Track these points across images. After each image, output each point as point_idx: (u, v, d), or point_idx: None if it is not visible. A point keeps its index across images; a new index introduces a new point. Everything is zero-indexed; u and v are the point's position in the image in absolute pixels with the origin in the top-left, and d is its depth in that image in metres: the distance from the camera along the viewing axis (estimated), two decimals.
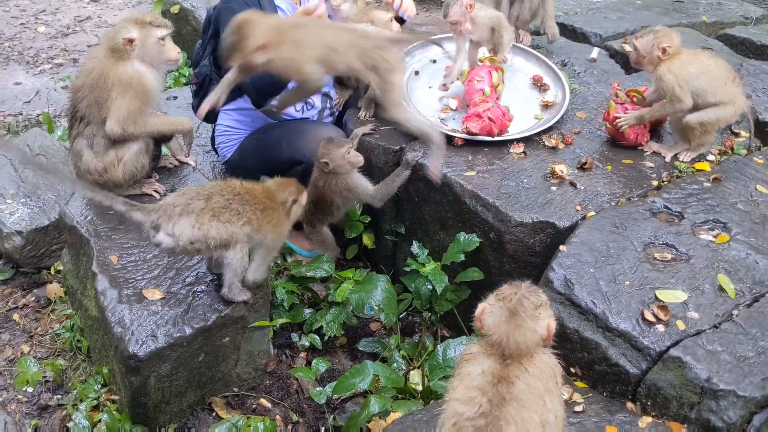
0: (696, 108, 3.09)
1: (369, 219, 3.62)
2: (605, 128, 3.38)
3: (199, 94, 3.69)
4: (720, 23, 5.14)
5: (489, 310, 1.84)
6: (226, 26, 3.25)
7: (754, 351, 2.28)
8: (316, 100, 3.77)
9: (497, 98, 3.49)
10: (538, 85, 3.77)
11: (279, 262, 3.67)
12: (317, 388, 3.00)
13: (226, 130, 3.72)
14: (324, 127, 3.59)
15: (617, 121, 3.23)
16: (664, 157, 3.22)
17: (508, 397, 1.75)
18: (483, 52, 3.81)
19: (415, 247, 3.26)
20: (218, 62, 3.56)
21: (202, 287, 2.78)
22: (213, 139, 3.87)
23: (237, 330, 2.83)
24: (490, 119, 3.35)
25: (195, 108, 3.80)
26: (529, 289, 1.84)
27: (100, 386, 3.01)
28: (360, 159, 3.28)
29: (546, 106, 3.60)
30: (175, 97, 4.91)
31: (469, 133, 3.37)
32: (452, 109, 3.61)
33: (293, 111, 3.70)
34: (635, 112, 3.23)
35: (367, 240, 3.68)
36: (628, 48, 4.43)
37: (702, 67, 3.05)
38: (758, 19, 5.33)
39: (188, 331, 2.65)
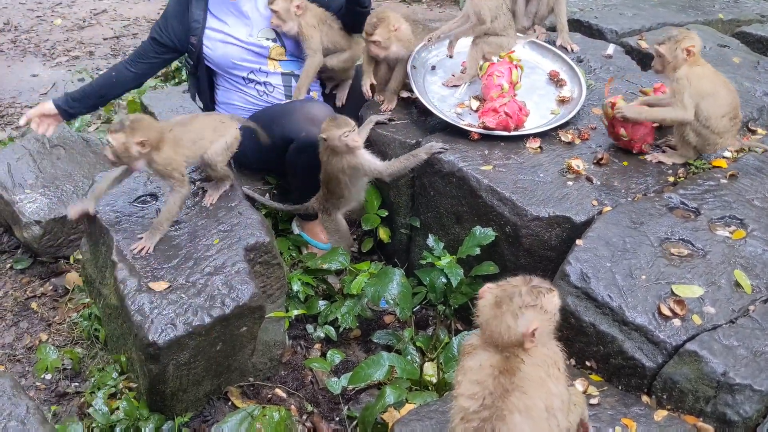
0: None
1: (386, 213, 3.63)
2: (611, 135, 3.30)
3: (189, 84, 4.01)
4: (736, 21, 5.12)
5: (487, 294, 1.86)
6: None
7: None
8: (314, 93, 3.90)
9: (514, 95, 3.49)
10: (555, 80, 3.77)
11: (294, 254, 3.70)
12: (332, 379, 3.02)
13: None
14: (313, 104, 3.63)
15: (616, 109, 3.14)
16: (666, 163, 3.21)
17: (510, 388, 1.77)
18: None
19: (430, 241, 3.28)
20: None
21: (221, 277, 2.80)
22: None
23: (254, 320, 2.86)
24: (506, 114, 3.35)
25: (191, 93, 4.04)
26: (533, 288, 1.82)
27: (117, 374, 3.04)
28: (358, 143, 3.23)
29: (562, 102, 3.60)
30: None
31: (485, 127, 3.37)
32: (473, 110, 3.56)
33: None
34: (635, 106, 3.17)
35: (383, 234, 3.70)
36: (644, 45, 4.45)
37: (713, 89, 3.02)
38: None
39: (207, 320, 2.68)
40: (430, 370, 2.98)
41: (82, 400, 3.05)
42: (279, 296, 3.17)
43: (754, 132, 3.51)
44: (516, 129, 3.38)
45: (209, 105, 3.90)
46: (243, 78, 3.76)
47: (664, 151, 3.21)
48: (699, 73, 3.01)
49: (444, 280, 3.20)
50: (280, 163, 3.62)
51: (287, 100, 3.79)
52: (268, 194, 3.84)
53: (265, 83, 3.78)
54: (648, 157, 3.20)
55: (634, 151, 3.23)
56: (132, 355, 2.91)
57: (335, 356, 3.14)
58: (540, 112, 3.54)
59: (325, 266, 3.43)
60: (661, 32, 4.63)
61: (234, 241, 2.95)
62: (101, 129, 4.97)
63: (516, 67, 3.57)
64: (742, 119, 3.42)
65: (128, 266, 2.83)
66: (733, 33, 4.93)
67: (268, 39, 3.77)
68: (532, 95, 3.64)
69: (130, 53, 3.89)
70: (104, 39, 7.12)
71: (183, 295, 2.73)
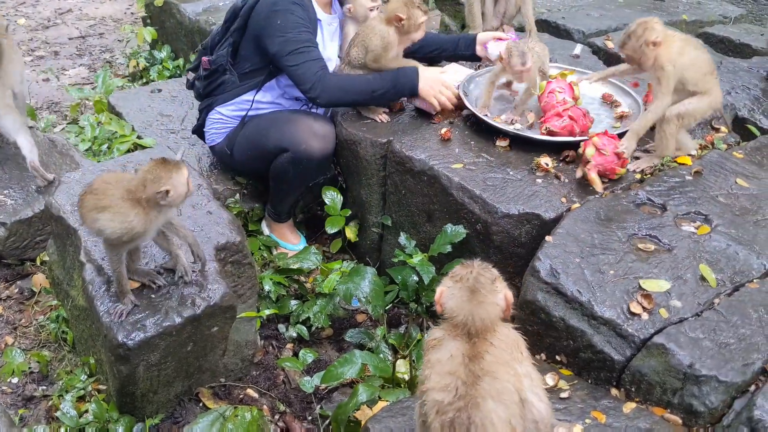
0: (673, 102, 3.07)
1: (349, 212, 3.63)
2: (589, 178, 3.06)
3: (208, 80, 3.72)
4: (700, 22, 5.22)
5: (448, 293, 1.88)
6: (271, 30, 3.39)
7: (734, 338, 2.34)
8: None
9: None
10: (609, 102, 3.66)
11: (265, 255, 3.69)
12: (305, 378, 3.02)
13: (220, 119, 3.73)
14: (315, 117, 3.60)
15: (623, 153, 3.02)
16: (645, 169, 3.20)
17: (480, 374, 1.79)
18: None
19: (402, 239, 3.29)
20: (236, 54, 3.63)
21: (192, 277, 2.78)
22: (200, 125, 3.86)
23: (225, 320, 2.84)
24: (571, 118, 3.25)
25: (198, 92, 3.83)
26: (481, 266, 1.90)
27: (86, 377, 3.00)
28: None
29: (621, 117, 3.46)
30: (160, 90, 4.90)
31: (550, 133, 3.24)
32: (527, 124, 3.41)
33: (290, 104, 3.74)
34: (630, 134, 3.07)
35: (351, 233, 3.70)
36: (610, 45, 4.52)
37: (693, 58, 3.02)
38: (737, 18, 5.42)
39: (178, 320, 2.65)
40: (402, 368, 2.99)
41: (50, 403, 3.00)
42: (250, 296, 3.15)
43: (717, 130, 3.59)
44: (581, 134, 3.24)
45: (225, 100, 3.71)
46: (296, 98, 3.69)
47: (638, 158, 3.23)
48: (675, 50, 2.98)
49: (416, 278, 3.21)
50: (264, 168, 3.60)
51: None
52: (238, 194, 3.83)
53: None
54: (630, 167, 3.15)
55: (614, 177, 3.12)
56: (101, 357, 2.87)
57: (307, 355, 3.13)
58: (602, 125, 3.39)
59: (296, 266, 3.43)
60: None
61: (204, 241, 2.92)
62: (67, 129, 4.90)
63: (570, 86, 3.52)
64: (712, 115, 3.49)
65: (96, 267, 2.79)
66: (697, 34, 5.02)
67: (339, 57, 3.77)
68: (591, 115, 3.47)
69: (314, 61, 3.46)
70: (69, 39, 7.02)
71: (153, 296, 2.70)
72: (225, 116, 3.69)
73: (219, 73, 3.65)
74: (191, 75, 3.85)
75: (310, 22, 3.49)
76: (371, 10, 3.70)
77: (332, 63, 3.64)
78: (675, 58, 2.97)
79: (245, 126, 3.65)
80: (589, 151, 3.01)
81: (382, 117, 3.61)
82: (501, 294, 1.88)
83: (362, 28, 3.58)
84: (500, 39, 3.86)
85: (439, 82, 3.52)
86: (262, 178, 3.77)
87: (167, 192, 2.39)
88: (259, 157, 3.56)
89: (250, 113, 3.66)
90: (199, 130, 3.87)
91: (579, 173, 3.07)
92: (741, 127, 3.81)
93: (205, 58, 3.70)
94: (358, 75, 3.53)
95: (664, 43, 2.96)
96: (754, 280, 2.60)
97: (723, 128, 3.63)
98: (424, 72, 3.52)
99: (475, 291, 1.83)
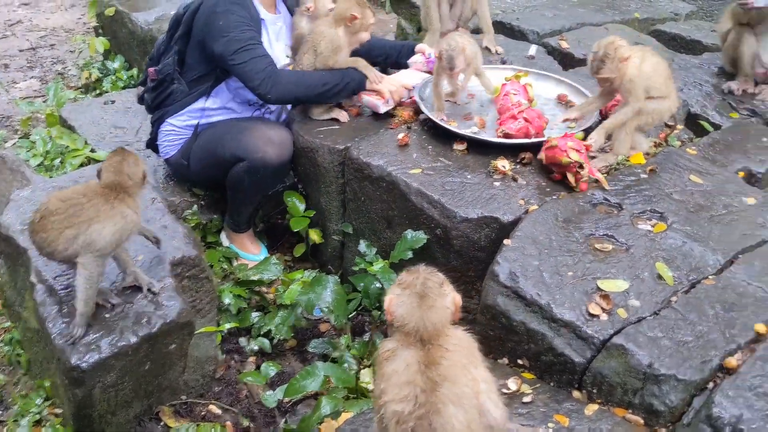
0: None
1: (314, 213, 3.60)
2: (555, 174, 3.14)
3: (156, 91, 3.65)
4: (651, 19, 5.29)
5: (397, 301, 1.86)
6: (214, 31, 3.35)
7: (692, 335, 2.36)
8: None
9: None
10: (564, 102, 3.69)
11: (225, 266, 3.63)
12: (267, 392, 2.97)
13: (173, 130, 3.66)
14: (271, 124, 3.56)
15: (590, 147, 3.11)
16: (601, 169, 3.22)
17: (438, 380, 1.77)
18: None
19: (362, 246, 3.27)
20: (183, 62, 3.57)
21: (159, 287, 2.72)
22: (153, 139, 3.79)
23: (183, 336, 2.78)
24: (526, 120, 3.28)
25: (148, 104, 3.75)
26: (427, 270, 1.90)
27: (42, 400, 2.92)
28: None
29: (576, 120, 3.45)
30: (113, 102, 4.80)
31: (506, 135, 3.26)
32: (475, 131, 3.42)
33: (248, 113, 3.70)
34: (600, 128, 3.15)
35: (315, 235, 3.66)
36: (564, 45, 4.55)
37: (654, 66, 3.09)
38: (688, 14, 5.51)
39: (133, 339, 2.59)
40: (367, 377, 2.96)
41: (6, 429, 2.91)
42: (210, 310, 3.10)
43: (671, 127, 3.62)
44: (536, 136, 3.27)
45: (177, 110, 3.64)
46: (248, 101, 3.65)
47: (594, 158, 3.24)
48: (637, 63, 3.05)
49: (378, 285, 3.19)
50: (221, 178, 3.54)
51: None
52: (195, 206, 3.76)
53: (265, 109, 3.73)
54: (588, 172, 3.10)
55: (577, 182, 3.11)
56: (56, 380, 2.79)
57: (270, 369, 3.09)
58: (558, 126, 3.40)
59: (256, 277, 3.38)
60: (581, 33, 4.76)
61: (158, 255, 2.86)
62: (18, 144, 4.78)
63: (524, 87, 3.55)
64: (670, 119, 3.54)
65: (48, 288, 2.72)
66: (649, 31, 5.09)
67: (288, 56, 3.75)
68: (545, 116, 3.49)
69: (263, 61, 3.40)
70: (20, 51, 6.85)
71: (107, 315, 2.64)
72: (177, 127, 3.63)
73: (167, 83, 3.59)
74: (141, 89, 3.78)
75: (252, 21, 3.45)
76: (331, 10, 3.69)
77: (279, 63, 3.59)
78: (639, 67, 3.05)
79: (199, 136, 3.59)
80: (574, 156, 3.02)
81: (342, 115, 3.60)
82: (449, 297, 1.88)
83: (311, 33, 3.57)
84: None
85: (387, 77, 3.60)
86: (220, 188, 3.71)
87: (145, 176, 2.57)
88: (215, 166, 3.51)
89: (203, 121, 3.60)
90: (152, 144, 3.80)
91: (573, 180, 3.06)
92: (694, 123, 3.87)
93: (151, 69, 3.64)
94: (307, 71, 3.54)
95: (630, 57, 3.04)
96: (710, 277, 2.62)
97: (676, 125, 3.67)
98: (372, 68, 3.59)
99: (425, 296, 1.82)
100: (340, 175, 3.47)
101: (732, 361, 2.27)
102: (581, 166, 3.03)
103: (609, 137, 3.24)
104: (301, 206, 3.60)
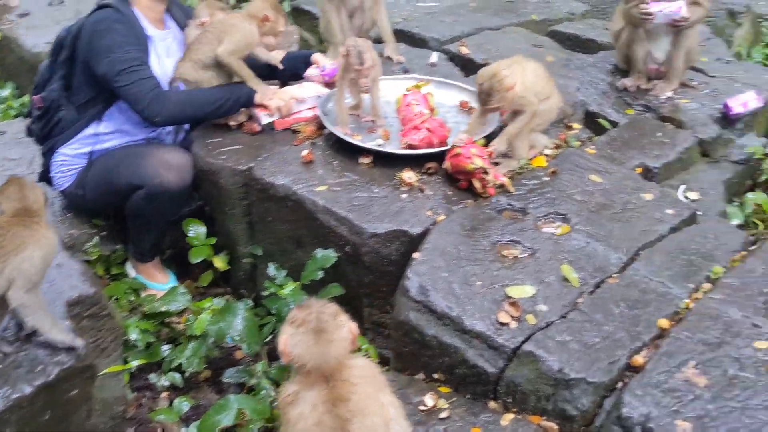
0: None
1: (215, 240, 3.49)
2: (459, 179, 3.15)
3: (43, 119, 3.48)
4: (548, 20, 5.41)
5: (293, 340, 1.81)
6: (97, 51, 3.22)
7: (599, 336, 2.40)
8: None
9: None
10: (466, 109, 3.69)
11: (133, 298, 3.48)
12: (182, 429, 2.85)
13: (65, 161, 3.49)
14: (168, 148, 3.43)
15: (492, 153, 3.12)
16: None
17: (349, 416, 1.73)
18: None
19: (271, 270, 3.19)
20: (68, 87, 3.40)
21: (41, 339, 2.56)
22: (45, 171, 3.60)
23: (85, 380, 2.63)
24: (428, 130, 3.27)
25: (36, 135, 3.56)
26: (319, 303, 1.86)
27: None
28: None
29: (484, 113, 3.42)
30: (3, 132, 4.54)
31: (410, 147, 3.25)
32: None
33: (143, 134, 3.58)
34: (503, 135, 3.17)
35: (220, 262, 3.55)
36: (465, 51, 4.59)
37: (534, 73, 3.16)
38: (582, 14, 5.66)
39: (28, 390, 2.43)
40: None
41: None
42: (115, 348, 2.95)
43: (570, 127, 3.70)
44: (440, 145, 3.27)
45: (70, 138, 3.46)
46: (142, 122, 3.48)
47: (497, 164, 3.27)
48: (521, 77, 3.11)
49: (292, 307, 3.11)
50: (120, 207, 3.39)
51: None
52: (96, 237, 3.59)
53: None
54: (493, 177, 3.14)
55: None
56: None
57: (183, 404, 2.96)
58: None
59: (164, 309, 3.25)
60: (480, 38, 4.82)
61: (53, 297, 2.70)
62: None
63: (425, 97, 3.53)
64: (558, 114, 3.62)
65: None
66: (546, 32, 5.21)
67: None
68: (448, 124, 3.49)
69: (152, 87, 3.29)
70: None
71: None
72: (69, 156, 3.46)
73: (53, 110, 3.42)
74: (28, 120, 3.59)
75: (137, 39, 3.34)
76: None
77: (168, 80, 3.50)
78: (524, 81, 3.10)
79: (94, 164, 3.43)
80: (478, 162, 3.03)
81: (254, 128, 3.56)
82: (346, 327, 1.84)
83: (217, 23, 3.50)
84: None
85: (276, 90, 3.56)
86: (121, 217, 3.56)
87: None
88: (113, 195, 3.36)
89: (97, 148, 3.45)
90: (45, 176, 3.60)
91: (480, 186, 3.07)
92: (592, 122, 3.97)
93: (36, 97, 3.46)
94: (194, 89, 3.46)
95: (514, 84, 3.07)
96: (614, 275, 2.68)
97: (576, 125, 3.75)
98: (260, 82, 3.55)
99: (321, 331, 1.78)
100: (245, 196, 3.38)
101: (638, 359, 2.32)
102: (486, 172, 3.05)
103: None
104: (203, 232, 3.47)
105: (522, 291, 2.57)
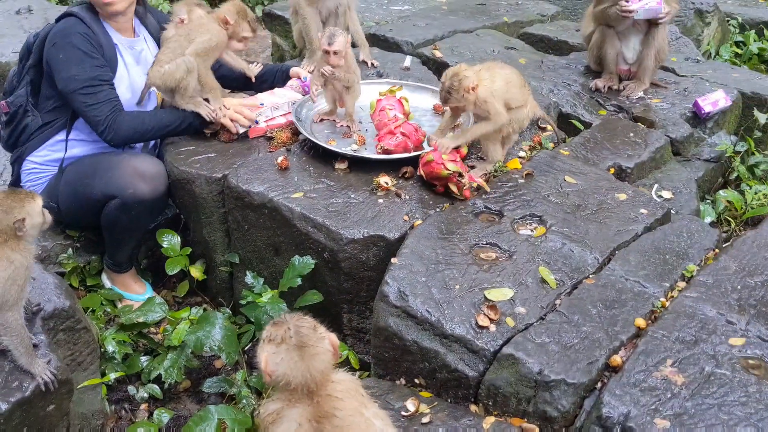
0: None
1: (190, 250, 3.46)
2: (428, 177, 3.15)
3: (11, 125, 3.43)
4: (520, 23, 5.45)
5: (274, 359, 1.76)
6: (55, 65, 3.20)
7: (578, 337, 2.42)
8: None
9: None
10: (441, 113, 3.69)
11: (109, 309, 3.44)
12: None
13: (34, 168, 3.44)
14: (141, 157, 3.40)
15: (438, 146, 3.11)
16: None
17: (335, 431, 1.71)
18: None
19: (249, 278, 3.17)
20: (36, 93, 3.37)
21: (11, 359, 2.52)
22: (15, 180, 3.54)
23: (62, 395, 2.59)
24: (403, 134, 3.29)
25: (5, 141, 3.52)
26: (294, 318, 1.81)
27: None
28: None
29: (453, 129, 3.42)
30: None
31: (386, 151, 3.26)
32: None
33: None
34: (454, 135, 3.18)
35: (197, 272, 3.53)
36: (438, 54, 4.61)
37: (506, 80, 3.15)
38: (553, 16, 5.71)
39: (4, 407, 2.38)
40: None
41: None
42: (92, 361, 2.91)
43: (544, 129, 3.73)
44: (416, 150, 3.28)
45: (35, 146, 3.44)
46: None
47: (473, 167, 3.28)
48: (488, 83, 3.10)
49: (270, 317, 3.10)
50: (95, 218, 3.35)
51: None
52: (70, 249, 3.55)
53: None
54: (469, 178, 3.15)
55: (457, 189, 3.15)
56: None
57: (163, 415, 2.93)
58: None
59: (141, 320, 3.21)
60: (453, 40, 4.84)
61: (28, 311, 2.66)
62: None
63: (400, 102, 3.53)
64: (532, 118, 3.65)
65: None
66: (518, 34, 5.25)
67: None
68: (423, 128, 3.49)
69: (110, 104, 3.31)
70: None
71: None
72: (38, 164, 3.41)
73: (20, 115, 3.39)
74: None
75: (99, 52, 3.30)
76: None
77: (135, 89, 3.48)
78: (490, 87, 3.09)
79: (65, 173, 3.39)
80: (452, 167, 3.04)
81: (202, 109, 3.50)
82: (327, 339, 1.81)
83: (190, 25, 3.49)
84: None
85: (230, 102, 3.55)
86: (95, 228, 3.51)
87: (23, 220, 2.31)
88: (87, 206, 3.32)
89: (68, 155, 3.41)
90: (15, 186, 3.54)
91: (456, 190, 3.09)
92: (566, 123, 4.00)
93: (2, 103, 3.41)
94: (148, 112, 3.47)
95: (476, 85, 3.07)
96: (590, 276, 2.71)
97: (549, 127, 3.78)
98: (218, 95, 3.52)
99: (303, 346, 1.74)
100: (221, 204, 3.37)
101: (617, 359, 2.34)
102: (461, 175, 3.07)
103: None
104: (177, 242, 3.44)
105: (500, 294, 2.58)
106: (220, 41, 3.45)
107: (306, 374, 1.73)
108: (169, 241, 3.46)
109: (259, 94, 3.75)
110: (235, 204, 3.28)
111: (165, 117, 3.45)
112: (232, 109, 3.52)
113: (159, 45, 3.63)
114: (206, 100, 3.49)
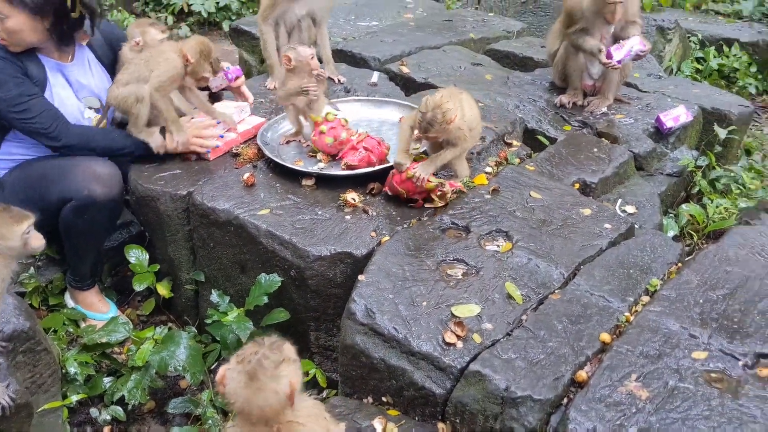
0: None
1: (158, 267, 3.42)
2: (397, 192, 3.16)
3: None
4: (486, 39, 5.49)
5: (230, 375, 1.73)
6: None
7: (543, 353, 2.42)
8: None
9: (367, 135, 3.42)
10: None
11: (72, 329, 3.37)
12: None
13: None
14: (94, 159, 3.32)
15: (414, 176, 3.07)
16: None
17: None
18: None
19: (214, 296, 3.13)
20: None
21: None
22: None
23: (22, 419, 2.54)
24: (366, 149, 3.29)
25: None
26: (272, 345, 1.76)
27: None
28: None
29: (419, 139, 3.34)
30: None
31: (350, 167, 3.26)
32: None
33: None
34: (427, 163, 3.12)
35: (163, 290, 3.48)
36: (405, 70, 4.63)
37: (469, 105, 3.16)
38: (519, 32, 5.77)
39: None
40: None
41: None
42: (53, 383, 2.85)
43: (510, 145, 3.76)
44: (380, 163, 3.29)
45: None
46: None
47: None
48: (460, 114, 3.06)
49: (236, 335, 3.06)
50: (51, 226, 3.27)
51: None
52: (32, 267, 3.48)
53: None
54: (450, 185, 3.18)
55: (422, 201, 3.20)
56: None
57: None
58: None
59: (104, 340, 3.15)
60: (420, 56, 4.86)
61: None
62: None
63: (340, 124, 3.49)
64: (498, 133, 3.68)
65: None
66: (485, 51, 5.29)
67: (90, 108, 3.50)
68: (389, 142, 3.49)
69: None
70: None
71: None
72: None
73: None
74: None
75: (21, 71, 3.24)
76: (162, 41, 3.59)
77: (76, 110, 3.44)
78: (464, 117, 3.09)
79: (15, 178, 3.34)
80: (435, 179, 3.10)
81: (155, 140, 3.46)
82: (284, 380, 1.72)
83: (151, 50, 3.45)
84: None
85: (193, 131, 3.50)
86: (56, 243, 3.44)
87: None
88: (42, 213, 3.23)
89: (12, 165, 3.36)
90: None
91: (439, 199, 3.14)
92: (531, 138, 4.04)
93: None
94: (100, 130, 3.43)
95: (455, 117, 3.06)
96: (556, 291, 2.72)
97: (515, 142, 3.81)
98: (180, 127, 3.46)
99: (254, 376, 1.69)
100: (186, 221, 3.33)
101: (582, 374, 2.35)
102: (442, 184, 3.11)
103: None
104: (145, 258, 3.39)
105: (467, 310, 2.58)
106: (177, 74, 3.38)
107: (245, 403, 1.69)
108: (137, 256, 3.42)
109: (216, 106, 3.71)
110: (200, 221, 3.24)
111: (116, 139, 3.41)
112: (190, 137, 3.47)
113: (112, 64, 3.62)
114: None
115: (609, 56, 3.95)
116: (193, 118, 3.63)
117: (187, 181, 3.36)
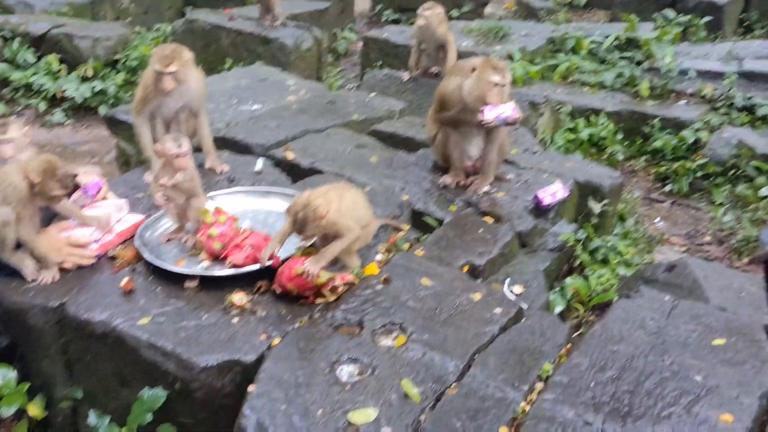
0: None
1: (28, 385, 3.14)
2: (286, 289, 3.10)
3: None
4: (369, 119, 5.54)
5: None
6: None
7: None
8: None
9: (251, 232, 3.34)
10: None
11: None
12: None
13: None
14: None
15: (305, 272, 3.03)
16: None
17: None
18: None
19: (92, 418, 2.91)
20: None
21: None
22: None
23: None
24: (252, 246, 3.19)
25: None
26: None
27: None
28: None
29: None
30: None
31: (235, 266, 3.15)
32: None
33: None
34: (317, 258, 3.08)
35: (35, 410, 3.19)
36: (290, 156, 4.59)
37: (353, 200, 3.21)
38: (401, 111, 5.87)
39: None
40: None
41: None
42: None
43: (398, 229, 3.76)
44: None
45: None
46: None
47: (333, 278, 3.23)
48: (336, 204, 3.10)
49: None
50: None
51: None
52: None
53: None
54: (341, 278, 3.14)
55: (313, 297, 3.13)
56: None
57: None
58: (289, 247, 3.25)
59: None
60: (305, 141, 4.85)
61: None
62: None
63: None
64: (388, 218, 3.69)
65: None
66: (368, 132, 5.33)
67: None
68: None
69: None
70: None
71: None
72: None
73: None
74: None
75: None
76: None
77: None
78: (338, 208, 3.10)
79: None
80: (325, 274, 3.06)
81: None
82: None
83: None
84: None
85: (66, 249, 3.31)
86: None
87: None
88: None
89: None
90: None
91: (330, 294, 3.10)
92: (419, 221, 4.06)
93: None
94: None
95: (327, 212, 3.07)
96: (452, 385, 2.69)
97: (404, 226, 3.82)
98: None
99: None
100: (59, 335, 3.10)
101: None
102: (333, 278, 3.08)
103: None
104: (12, 378, 3.10)
105: (364, 415, 2.50)
106: (20, 199, 3.12)
107: None
108: (3, 376, 3.13)
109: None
110: (75, 334, 3.03)
111: None
112: (64, 253, 3.27)
113: None
114: None
115: (482, 113, 4.08)
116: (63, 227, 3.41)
117: (60, 291, 3.14)
